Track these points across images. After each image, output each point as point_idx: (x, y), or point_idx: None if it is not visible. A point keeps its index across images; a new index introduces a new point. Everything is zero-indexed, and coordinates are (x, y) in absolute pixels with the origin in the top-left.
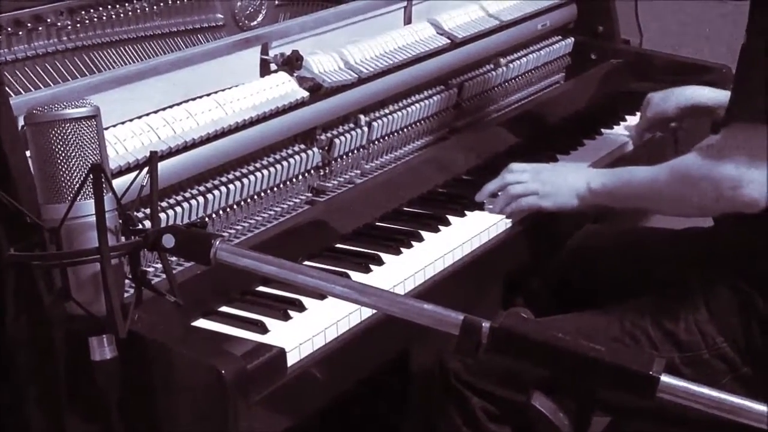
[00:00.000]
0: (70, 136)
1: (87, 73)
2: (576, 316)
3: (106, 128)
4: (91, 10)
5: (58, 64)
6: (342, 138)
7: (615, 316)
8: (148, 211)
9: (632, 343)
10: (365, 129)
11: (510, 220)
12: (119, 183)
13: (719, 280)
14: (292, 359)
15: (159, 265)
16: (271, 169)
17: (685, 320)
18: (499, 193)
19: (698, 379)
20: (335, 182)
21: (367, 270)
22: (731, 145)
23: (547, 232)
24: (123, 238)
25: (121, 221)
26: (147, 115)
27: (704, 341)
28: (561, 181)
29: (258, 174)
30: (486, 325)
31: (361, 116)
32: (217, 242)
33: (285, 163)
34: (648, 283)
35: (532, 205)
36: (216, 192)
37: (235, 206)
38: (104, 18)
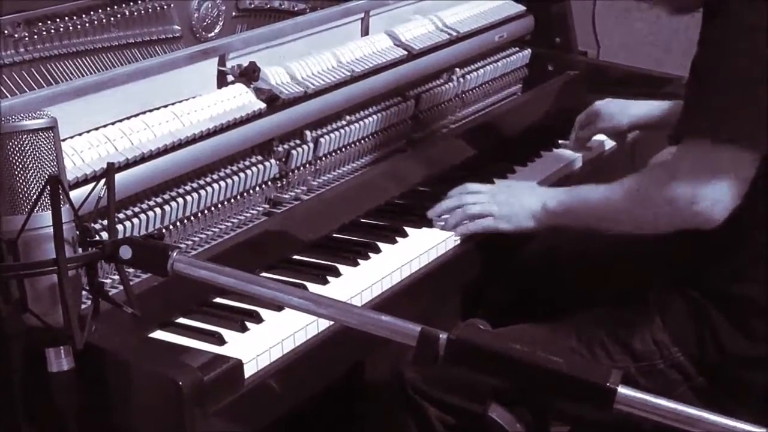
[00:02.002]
0: (27, 147)
1: (44, 84)
2: (533, 327)
3: (64, 140)
4: (48, 22)
5: (15, 75)
6: (299, 149)
7: (571, 327)
8: (105, 222)
9: (588, 353)
10: (322, 140)
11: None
12: (76, 194)
13: (674, 290)
14: (249, 371)
15: (116, 277)
16: (229, 180)
17: (640, 331)
18: (454, 212)
19: (654, 389)
20: (292, 194)
21: (325, 281)
22: (685, 162)
23: (503, 243)
24: (80, 250)
25: (78, 232)
26: (104, 126)
27: (659, 351)
28: (517, 203)
29: (215, 185)
30: (443, 336)
31: (308, 132)
32: (175, 253)
33: (242, 175)
34: (604, 293)
35: (488, 227)
36: (173, 203)
37: (192, 217)
38: (61, 29)
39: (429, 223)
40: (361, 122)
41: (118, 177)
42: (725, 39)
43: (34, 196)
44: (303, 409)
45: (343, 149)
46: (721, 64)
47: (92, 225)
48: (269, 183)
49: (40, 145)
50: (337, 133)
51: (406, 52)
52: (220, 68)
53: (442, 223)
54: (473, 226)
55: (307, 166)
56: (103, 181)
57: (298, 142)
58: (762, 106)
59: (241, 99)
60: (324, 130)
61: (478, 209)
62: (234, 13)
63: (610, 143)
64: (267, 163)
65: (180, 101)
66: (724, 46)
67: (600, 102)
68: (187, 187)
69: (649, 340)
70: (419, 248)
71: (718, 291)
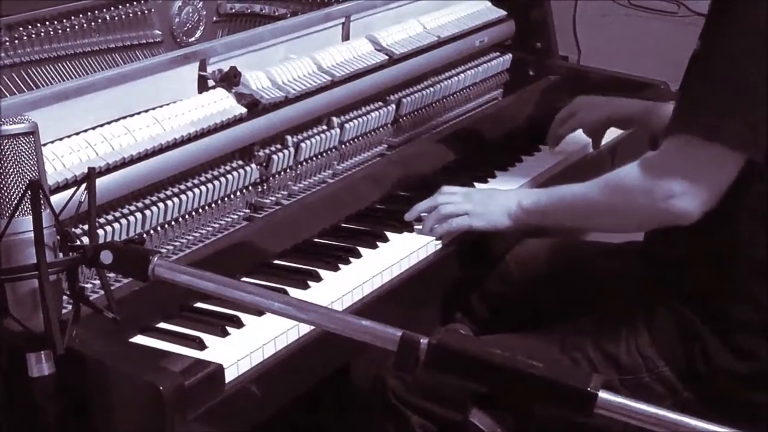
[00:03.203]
0: (8, 152)
1: (25, 89)
2: (515, 336)
3: (44, 144)
4: (29, 26)
5: None
6: (280, 154)
7: (555, 337)
8: (86, 227)
9: (572, 364)
10: (303, 145)
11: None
12: (57, 199)
13: (661, 303)
14: (230, 375)
15: (97, 281)
16: (209, 185)
17: (626, 343)
18: (430, 214)
19: None
20: (273, 198)
21: (306, 286)
22: (670, 157)
23: (485, 248)
24: (61, 255)
25: (59, 237)
26: (85, 131)
27: (645, 365)
28: (492, 201)
29: (196, 190)
30: (424, 341)
31: (289, 137)
32: (155, 258)
33: (223, 180)
34: (588, 302)
35: (462, 225)
36: (154, 208)
37: (173, 222)
38: (42, 34)
39: (410, 228)
40: (342, 127)
41: (99, 182)
42: (727, 39)
43: (15, 201)
44: (284, 414)
45: (324, 154)
46: (720, 63)
47: (73, 230)
48: (250, 188)
49: (21, 149)
50: (317, 137)
51: (387, 57)
52: (201, 73)
53: (420, 227)
54: (447, 225)
55: (288, 170)
56: (83, 185)
57: (279, 146)
58: (754, 110)
59: (221, 104)
60: (305, 135)
61: (452, 208)
62: (215, 18)
63: (591, 148)
64: (247, 168)
65: (161, 106)
66: (725, 46)
67: (582, 96)
68: (168, 192)
69: (636, 353)
70: (400, 253)
71: (708, 308)
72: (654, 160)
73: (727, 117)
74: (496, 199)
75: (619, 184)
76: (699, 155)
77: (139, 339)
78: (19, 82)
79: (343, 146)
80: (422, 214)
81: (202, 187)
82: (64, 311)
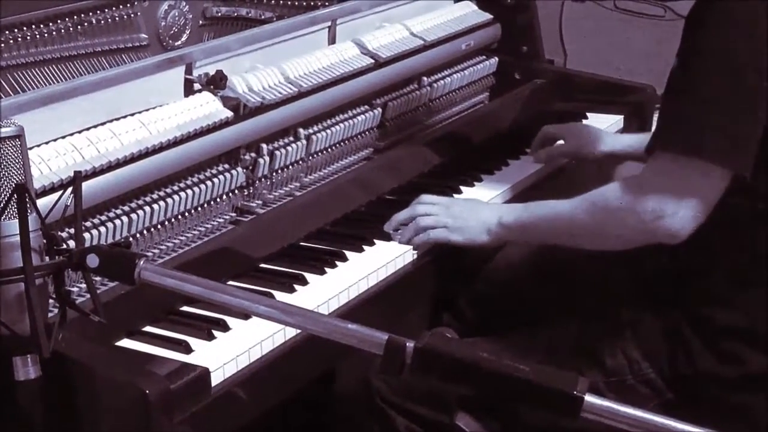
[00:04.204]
0: None
1: (11, 92)
2: (500, 340)
3: (30, 148)
4: (15, 30)
5: None
6: (264, 158)
7: (541, 339)
8: (72, 230)
9: (558, 367)
10: (287, 149)
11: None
12: (43, 203)
13: (646, 306)
14: (216, 379)
15: (83, 285)
16: (196, 189)
17: (611, 346)
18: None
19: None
20: (259, 202)
21: (291, 290)
22: (654, 176)
23: (471, 251)
24: (47, 258)
25: (45, 241)
26: (71, 135)
27: (630, 367)
28: (472, 216)
29: (182, 194)
30: (410, 344)
31: (270, 143)
32: (141, 262)
33: (209, 183)
34: (573, 306)
35: (440, 238)
36: (140, 212)
37: (159, 226)
38: (28, 38)
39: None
40: (328, 131)
41: (85, 185)
42: (704, 54)
43: (1, 205)
44: (271, 418)
45: (311, 157)
46: (697, 79)
47: (59, 233)
48: (236, 191)
49: (7, 153)
50: (307, 140)
51: (373, 61)
52: (187, 77)
53: (399, 236)
54: (425, 237)
55: (274, 174)
56: (70, 189)
57: (265, 150)
58: (735, 124)
59: (208, 107)
60: (290, 139)
61: (431, 221)
62: (201, 22)
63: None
64: (234, 172)
65: (147, 110)
66: (702, 62)
67: (578, 125)
68: (154, 196)
69: (620, 355)
70: (386, 257)
71: (693, 312)
72: (639, 180)
73: (706, 132)
74: (476, 214)
75: (606, 206)
76: (683, 172)
77: (126, 342)
78: (5, 85)
79: (328, 150)
80: (401, 225)
81: (189, 191)
82: (50, 315)
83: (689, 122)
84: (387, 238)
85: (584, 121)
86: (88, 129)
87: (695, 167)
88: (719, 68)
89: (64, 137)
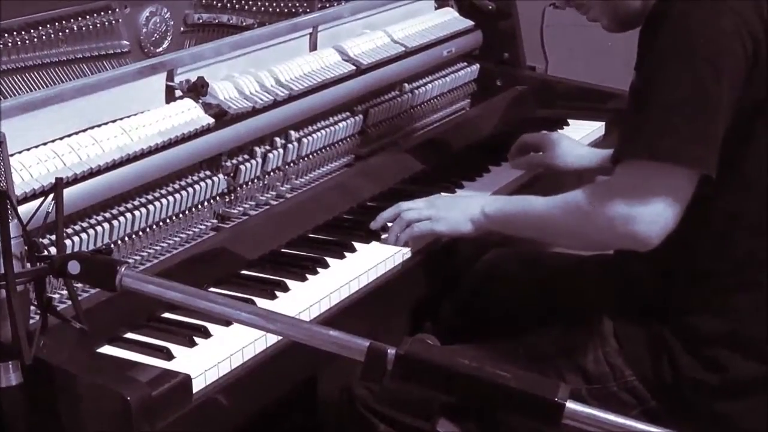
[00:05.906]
0: None
1: None
2: (482, 346)
3: (12, 155)
4: None
5: None
6: (247, 164)
7: (524, 346)
8: (53, 237)
9: (540, 374)
10: (269, 156)
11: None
12: (25, 209)
13: (629, 313)
14: (197, 386)
15: (65, 292)
16: (177, 195)
17: (594, 352)
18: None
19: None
20: (240, 209)
21: (273, 296)
22: (623, 181)
23: (453, 257)
24: (28, 265)
25: (26, 247)
26: (52, 141)
27: (613, 374)
28: (456, 206)
29: (163, 200)
30: (391, 351)
31: (257, 148)
32: (123, 269)
33: (190, 190)
34: (556, 312)
35: (424, 230)
36: (122, 218)
37: (140, 233)
38: (9, 45)
39: (377, 239)
40: (309, 137)
41: (67, 192)
42: (661, 60)
43: None
44: (252, 424)
45: (291, 164)
46: (657, 84)
47: (40, 240)
48: (217, 198)
49: None
50: (290, 145)
51: (354, 67)
52: (169, 83)
53: (386, 237)
54: (410, 231)
55: (255, 181)
56: (51, 196)
57: (246, 157)
58: (698, 125)
59: (189, 114)
60: (271, 146)
61: (414, 214)
62: (182, 29)
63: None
64: (215, 178)
65: (128, 116)
66: (660, 67)
67: (555, 135)
68: (136, 202)
69: (603, 361)
70: (367, 263)
71: (676, 319)
72: (607, 185)
73: (665, 134)
74: (459, 205)
75: (579, 210)
76: (648, 176)
77: (107, 349)
78: None
79: (310, 157)
80: (388, 224)
81: (170, 198)
82: (31, 321)
83: (649, 127)
84: (368, 244)
85: (565, 128)
86: (69, 136)
87: (658, 169)
88: (677, 69)
89: (45, 144)
